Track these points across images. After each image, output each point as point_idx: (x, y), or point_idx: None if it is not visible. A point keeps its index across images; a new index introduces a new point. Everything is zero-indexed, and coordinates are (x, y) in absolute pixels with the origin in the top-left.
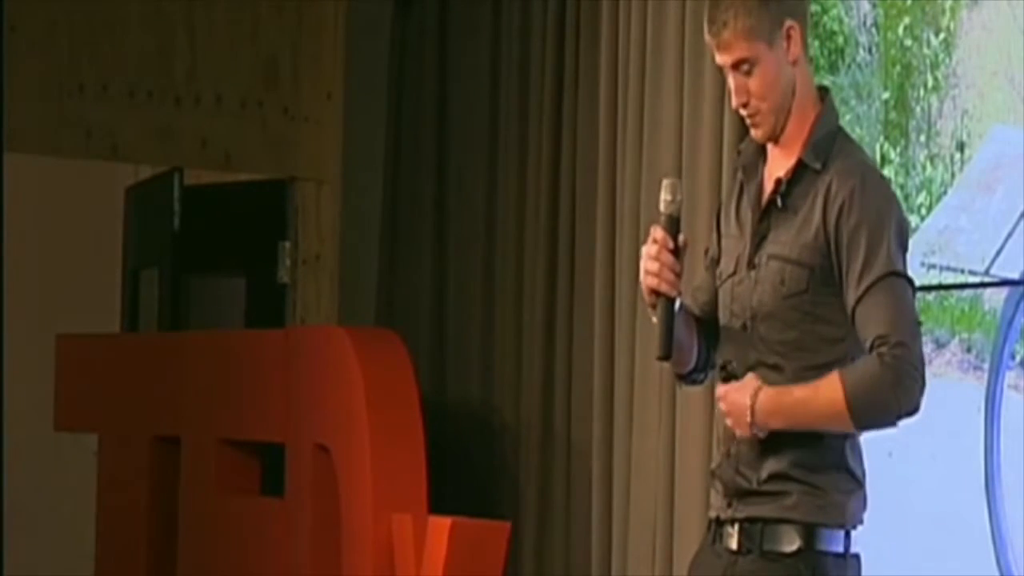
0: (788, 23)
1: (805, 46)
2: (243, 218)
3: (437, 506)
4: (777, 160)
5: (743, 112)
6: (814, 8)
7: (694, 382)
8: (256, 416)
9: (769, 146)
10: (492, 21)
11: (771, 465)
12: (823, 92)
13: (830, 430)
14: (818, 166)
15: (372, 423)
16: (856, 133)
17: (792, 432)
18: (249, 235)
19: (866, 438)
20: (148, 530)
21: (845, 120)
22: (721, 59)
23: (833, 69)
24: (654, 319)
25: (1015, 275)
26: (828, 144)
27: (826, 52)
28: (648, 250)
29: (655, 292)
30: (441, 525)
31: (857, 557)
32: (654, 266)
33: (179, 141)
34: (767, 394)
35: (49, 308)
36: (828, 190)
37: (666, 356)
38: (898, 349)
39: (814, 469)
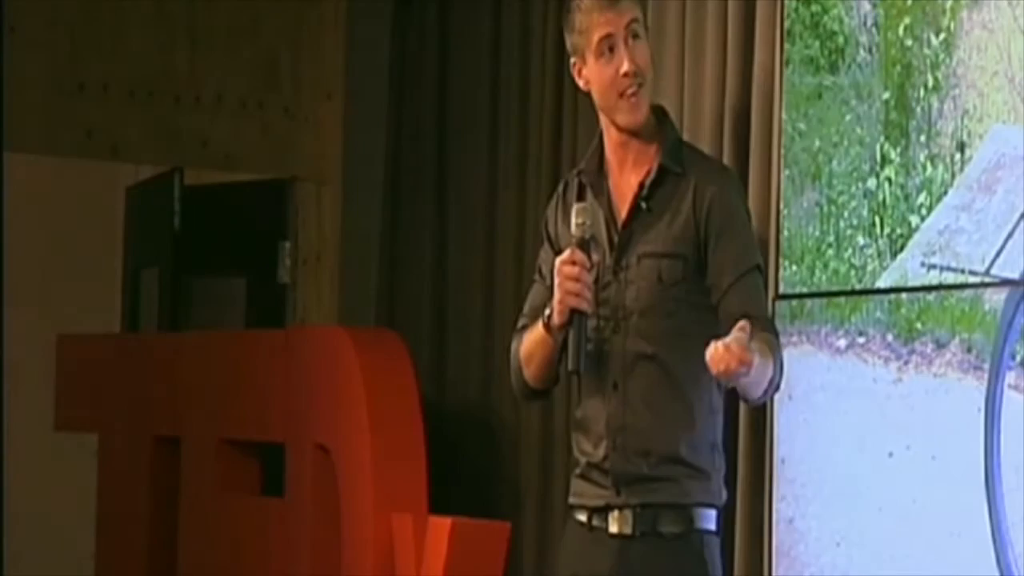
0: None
1: None
2: (243, 218)
3: (437, 506)
4: (625, 174)
5: (633, 86)
6: (814, 8)
7: (544, 398)
8: (256, 416)
9: (609, 164)
10: (492, 21)
11: (659, 450)
12: (662, 111)
13: (764, 375)
14: (679, 169)
15: (372, 423)
16: (856, 133)
17: (674, 417)
18: (249, 235)
19: (866, 439)
20: (148, 530)
21: (845, 120)
22: (614, 26)
23: (833, 69)
24: (553, 338)
25: (1015, 275)
26: (678, 151)
27: (826, 52)
28: (570, 271)
29: (573, 310)
30: (441, 525)
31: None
32: (576, 286)
33: (179, 141)
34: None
35: (49, 308)
36: (695, 188)
37: (579, 369)
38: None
39: (697, 449)
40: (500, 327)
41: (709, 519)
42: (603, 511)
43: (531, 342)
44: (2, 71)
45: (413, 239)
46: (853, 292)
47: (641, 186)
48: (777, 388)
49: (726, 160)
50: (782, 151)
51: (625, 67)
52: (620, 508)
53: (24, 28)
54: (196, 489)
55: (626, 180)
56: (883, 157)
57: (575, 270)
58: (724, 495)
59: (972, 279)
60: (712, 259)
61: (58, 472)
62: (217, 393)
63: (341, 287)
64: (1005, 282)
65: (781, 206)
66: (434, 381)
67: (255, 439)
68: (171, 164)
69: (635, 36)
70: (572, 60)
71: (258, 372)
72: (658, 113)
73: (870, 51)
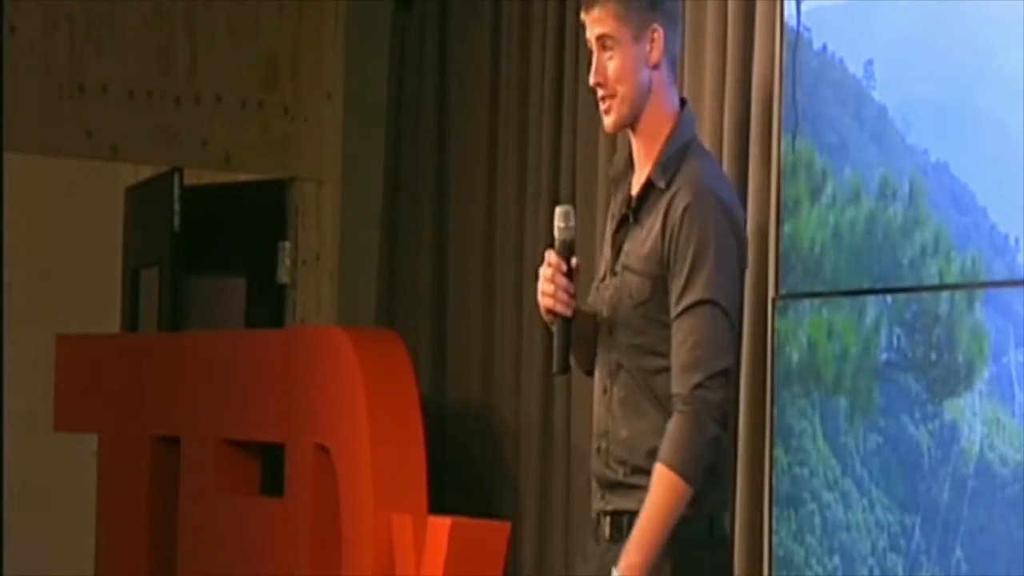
0: (655, 26)
1: (671, 55)
2: (243, 218)
3: (437, 506)
4: (640, 173)
5: (599, 94)
6: None
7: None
8: (256, 416)
9: (637, 160)
10: (492, 21)
11: (635, 459)
12: (682, 102)
13: (680, 504)
14: (663, 184)
15: (372, 423)
16: None
17: (646, 429)
18: (249, 235)
19: None
20: (148, 530)
21: None
22: (590, 32)
23: None
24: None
25: None
26: (677, 161)
27: None
28: (544, 273)
29: (551, 312)
30: (441, 525)
31: (724, 540)
32: (549, 288)
33: (179, 141)
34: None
35: (49, 308)
36: (669, 206)
37: (563, 371)
38: (697, 391)
39: None
40: (500, 327)
41: (683, 529)
42: (596, 515)
43: None
44: (2, 71)
45: (413, 239)
46: (853, 292)
47: (629, 199)
48: (705, 450)
49: (726, 160)
50: (782, 151)
51: (590, 77)
52: (605, 513)
53: (24, 28)
54: (196, 489)
55: (639, 180)
56: None
57: (548, 272)
58: (706, 505)
59: None
60: (669, 282)
61: (58, 472)
62: (217, 393)
63: (341, 287)
64: (1006, 283)
65: (781, 207)
66: (434, 381)
67: (255, 439)
68: (171, 164)
69: (605, 47)
70: None
71: (258, 372)
72: (676, 113)
73: None
